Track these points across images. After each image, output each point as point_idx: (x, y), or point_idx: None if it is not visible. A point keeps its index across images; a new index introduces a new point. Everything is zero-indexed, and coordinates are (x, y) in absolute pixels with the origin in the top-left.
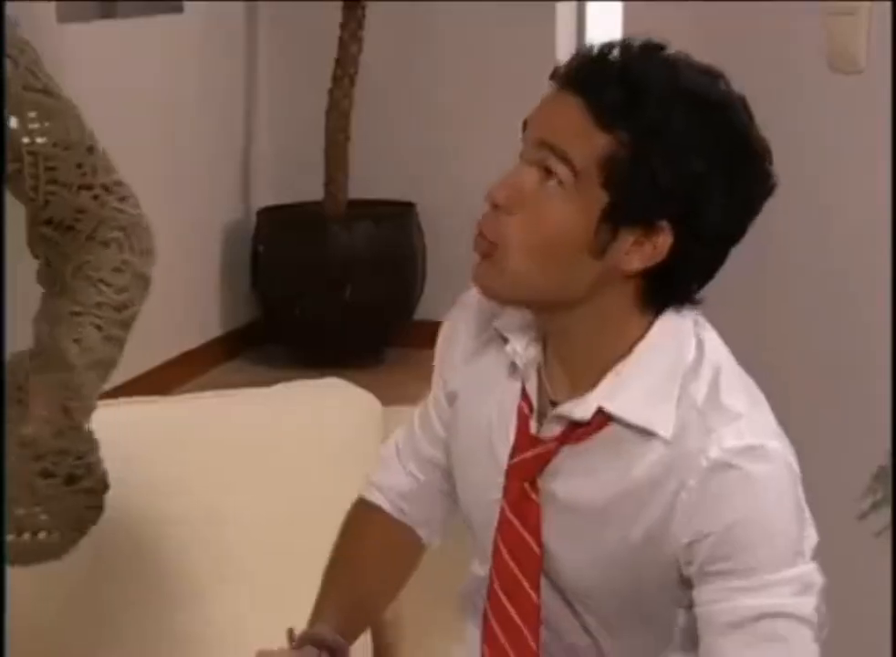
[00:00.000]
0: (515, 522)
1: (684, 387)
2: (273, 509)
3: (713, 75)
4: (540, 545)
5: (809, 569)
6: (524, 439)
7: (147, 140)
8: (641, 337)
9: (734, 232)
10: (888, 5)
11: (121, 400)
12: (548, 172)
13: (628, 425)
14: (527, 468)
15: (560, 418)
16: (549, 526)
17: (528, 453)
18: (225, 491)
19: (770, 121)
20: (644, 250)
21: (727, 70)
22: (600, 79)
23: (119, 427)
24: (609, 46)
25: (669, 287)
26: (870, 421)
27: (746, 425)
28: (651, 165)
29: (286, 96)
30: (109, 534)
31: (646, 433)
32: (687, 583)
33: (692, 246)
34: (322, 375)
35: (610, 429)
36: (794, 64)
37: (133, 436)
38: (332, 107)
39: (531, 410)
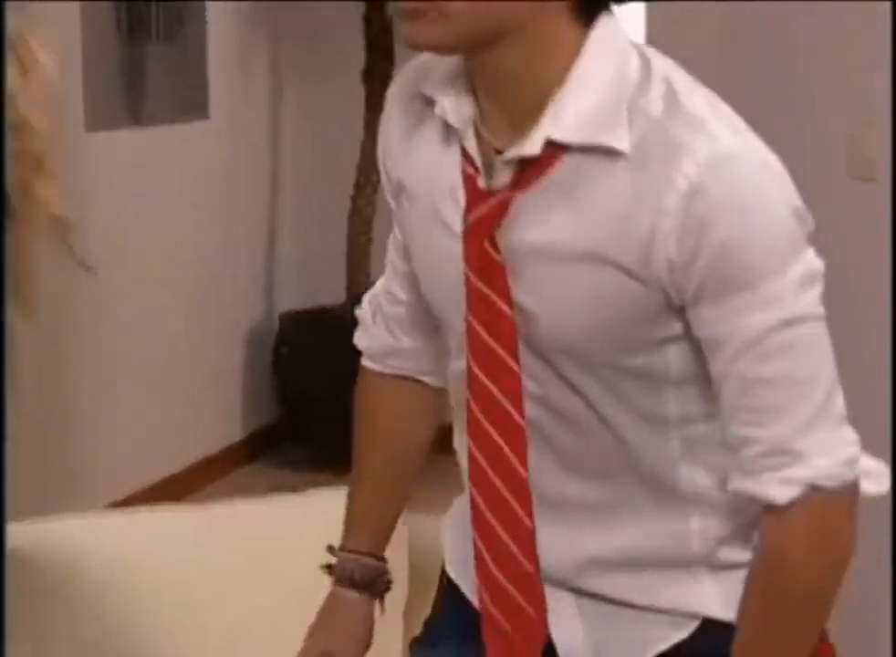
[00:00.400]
0: (483, 287)
1: (634, 103)
2: (295, 616)
3: None
4: (511, 305)
5: (810, 257)
6: (474, 196)
7: (173, 242)
8: (575, 56)
9: None
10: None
11: (145, 508)
12: None
13: (581, 150)
14: (484, 225)
15: (508, 164)
16: (518, 285)
17: (482, 209)
18: (245, 603)
19: None
20: None
21: None
22: None
23: (146, 536)
24: None
25: None
26: (870, 421)
27: (716, 128)
28: None
29: (309, 201)
30: (140, 644)
31: (603, 155)
32: (679, 313)
33: None
34: (343, 477)
35: (563, 163)
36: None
37: (158, 544)
38: (354, 213)
39: (476, 169)
